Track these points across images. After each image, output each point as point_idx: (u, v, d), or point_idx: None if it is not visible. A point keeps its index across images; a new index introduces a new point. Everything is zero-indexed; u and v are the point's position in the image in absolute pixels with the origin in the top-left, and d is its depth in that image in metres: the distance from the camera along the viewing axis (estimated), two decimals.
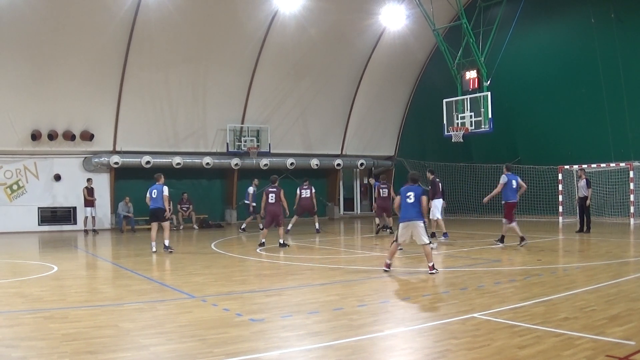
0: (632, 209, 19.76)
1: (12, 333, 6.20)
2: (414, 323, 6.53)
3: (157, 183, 13.81)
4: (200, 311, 7.24)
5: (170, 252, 13.65)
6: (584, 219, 17.00)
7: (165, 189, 13.67)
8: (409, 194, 9.93)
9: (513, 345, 5.37)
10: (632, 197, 19.82)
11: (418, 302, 7.69)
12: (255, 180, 20.96)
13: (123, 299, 8.07)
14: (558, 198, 21.96)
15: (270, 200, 14.54)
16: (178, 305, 7.65)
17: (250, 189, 20.53)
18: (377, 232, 17.98)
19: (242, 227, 20.23)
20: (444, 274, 9.77)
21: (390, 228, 17.04)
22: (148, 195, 13.82)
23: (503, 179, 13.56)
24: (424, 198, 9.93)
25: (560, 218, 21.52)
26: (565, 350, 5.16)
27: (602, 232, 16.87)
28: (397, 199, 10.19)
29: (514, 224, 13.32)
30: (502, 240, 13.69)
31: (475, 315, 6.60)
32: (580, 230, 16.98)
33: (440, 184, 16.23)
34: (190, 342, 5.69)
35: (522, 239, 13.20)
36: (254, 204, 20.12)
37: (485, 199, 14.39)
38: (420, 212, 9.85)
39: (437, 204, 15.63)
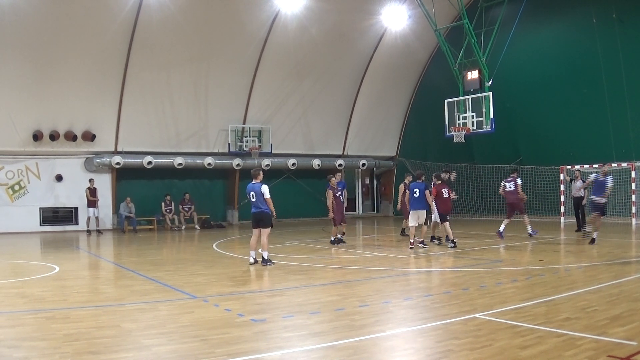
0: (633, 209, 19.72)
1: (14, 333, 6.21)
2: (415, 323, 6.53)
3: (254, 181, 11.14)
4: (202, 311, 7.25)
5: (269, 264, 11.03)
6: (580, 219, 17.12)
7: (265, 189, 10.96)
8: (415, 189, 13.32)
9: (515, 345, 5.37)
10: (633, 198, 19.79)
11: (420, 302, 7.69)
12: None
13: (125, 300, 8.08)
14: (560, 198, 21.92)
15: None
16: (180, 306, 7.65)
17: None
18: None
19: None
20: (445, 274, 9.76)
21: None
22: (248, 196, 11.26)
23: (610, 180, 13.11)
24: (427, 192, 13.14)
25: (562, 218, 21.46)
26: (567, 350, 5.16)
27: (604, 233, 16.73)
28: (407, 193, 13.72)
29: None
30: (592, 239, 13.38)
31: (477, 315, 6.60)
32: (579, 229, 17.03)
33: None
34: (192, 343, 5.69)
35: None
36: None
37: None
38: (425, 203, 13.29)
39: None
